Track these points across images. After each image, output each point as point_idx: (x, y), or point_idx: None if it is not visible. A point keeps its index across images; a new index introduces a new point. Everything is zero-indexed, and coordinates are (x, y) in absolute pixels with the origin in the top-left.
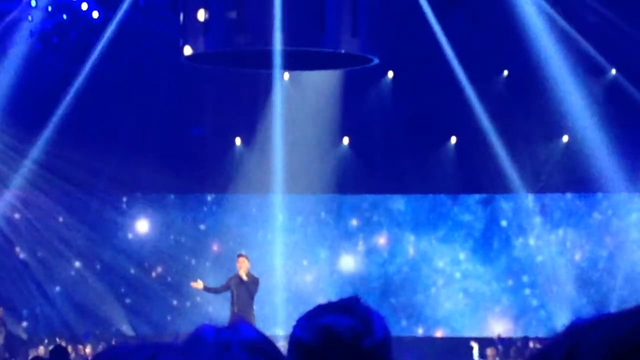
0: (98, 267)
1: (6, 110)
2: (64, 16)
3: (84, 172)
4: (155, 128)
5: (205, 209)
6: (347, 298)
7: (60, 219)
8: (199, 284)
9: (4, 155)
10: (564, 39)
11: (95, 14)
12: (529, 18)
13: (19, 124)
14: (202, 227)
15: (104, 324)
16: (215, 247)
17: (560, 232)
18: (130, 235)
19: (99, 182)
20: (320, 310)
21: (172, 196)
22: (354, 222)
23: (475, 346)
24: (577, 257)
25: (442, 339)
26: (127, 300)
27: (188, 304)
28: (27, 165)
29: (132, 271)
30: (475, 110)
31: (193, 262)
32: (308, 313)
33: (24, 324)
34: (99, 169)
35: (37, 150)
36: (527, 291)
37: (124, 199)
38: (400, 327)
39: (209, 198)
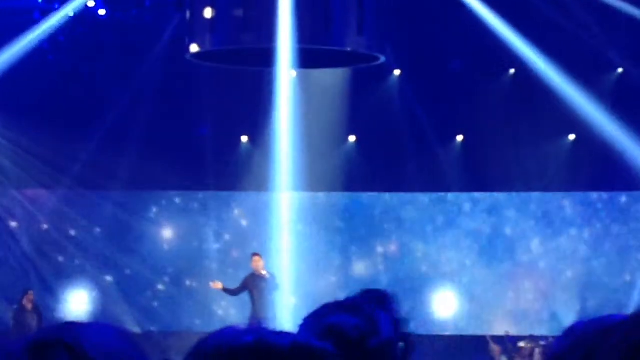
0: (105, 265)
1: (13, 107)
2: (71, 14)
3: (90, 170)
4: (160, 126)
5: (210, 206)
6: (353, 297)
7: (67, 217)
8: (217, 285)
9: (11, 152)
10: (570, 35)
11: (101, 12)
12: (535, 14)
13: (26, 121)
14: (208, 225)
15: (107, 318)
16: (220, 245)
17: (566, 231)
18: (137, 234)
19: (107, 181)
20: (327, 310)
21: (178, 194)
22: (361, 223)
23: (491, 342)
24: (583, 256)
25: (450, 337)
26: (137, 299)
27: (198, 302)
28: (34, 163)
29: (133, 266)
30: (482, 109)
31: (200, 259)
32: (314, 312)
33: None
34: (105, 167)
35: (42, 147)
36: (531, 294)
37: (129, 197)
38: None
39: (214, 196)
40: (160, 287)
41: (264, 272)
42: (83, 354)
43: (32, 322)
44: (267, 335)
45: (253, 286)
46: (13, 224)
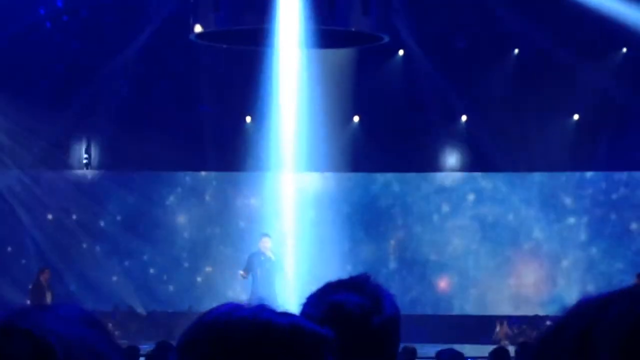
0: (105, 241)
1: (18, 89)
2: None
3: (93, 150)
4: (164, 106)
5: (214, 187)
6: (357, 276)
7: (72, 197)
8: (244, 274)
9: (15, 134)
10: (574, 16)
11: None
12: None
13: (31, 102)
14: (211, 205)
15: (114, 301)
16: (223, 225)
17: (571, 210)
18: (140, 214)
19: (110, 159)
20: (330, 288)
21: (182, 174)
22: (365, 203)
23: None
24: (585, 236)
25: (452, 316)
26: (139, 277)
27: (199, 280)
28: (38, 144)
29: (137, 246)
30: (486, 89)
31: (202, 239)
32: (318, 290)
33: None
34: (108, 146)
35: (46, 128)
36: (535, 275)
37: (134, 176)
38: (387, 271)
39: (218, 177)
40: (163, 267)
41: (269, 254)
42: (45, 342)
43: (48, 299)
44: (267, 314)
45: (258, 265)
46: (17, 205)
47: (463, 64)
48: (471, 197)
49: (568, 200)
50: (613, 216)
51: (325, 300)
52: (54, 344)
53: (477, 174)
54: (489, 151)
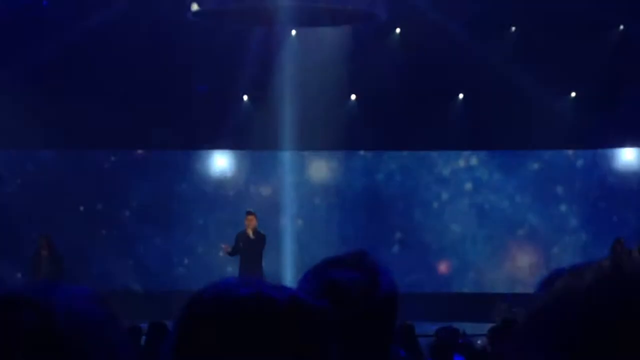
0: (105, 222)
1: (15, 66)
2: None
3: (89, 128)
4: (161, 85)
5: (210, 165)
6: (354, 252)
7: (68, 175)
8: (227, 248)
9: (14, 110)
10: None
11: None
12: None
13: (27, 80)
14: (208, 184)
15: (109, 280)
16: (219, 205)
17: (568, 187)
18: (136, 191)
19: (106, 138)
20: (327, 265)
21: (179, 153)
22: (362, 181)
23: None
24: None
25: (451, 294)
26: (134, 256)
27: (190, 260)
28: (35, 122)
29: (138, 227)
30: (483, 67)
31: (199, 218)
32: (315, 267)
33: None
34: (104, 124)
35: (44, 105)
36: (533, 254)
37: (130, 154)
38: (391, 254)
39: (216, 155)
40: (160, 245)
41: (251, 232)
42: (50, 314)
43: (47, 268)
44: (265, 288)
45: (242, 244)
46: (14, 182)
47: (460, 42)
48: (468, 174)
49: (566, 175)
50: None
51: (322, 277)
52: (59, 316)
53: (474, 152)
54: (486, 129)
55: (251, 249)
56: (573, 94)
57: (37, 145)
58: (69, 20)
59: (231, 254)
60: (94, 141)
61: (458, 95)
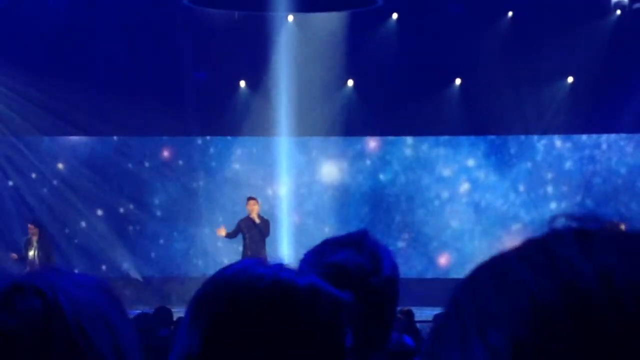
0: (103, 210)
1: (11, 54)
2: None
3: (86, 116)
4: (158, 72)
5: (209, 152)
6: (354, 233)
7: (65, 163)
8: (222, 231)
9: (9, 99)
10: None
11: None
12: None
13: (24, 68)
14: (206, 170)
15: (109, 267)
16: (218, 191)
17: (566, 172)
18: (134, 179)
19: (103, 126)
20: (328, 246)
21: (176, 140)
22: (359, 167)
23: None
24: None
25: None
26: (133, 244)
27: (192, 246)
28: (32, 110)
29: (137, 214)
30: (480, 52)
31: (197, 204)
32: (315, 249)
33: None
34: (101, 112)
35: (42, 94)
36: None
37: (128, 142)
38: (397, 250)
39: (213, 141)
40: (159, 233)
41: (256, 217)
42: (55, 301)
43: (32, 253)
44: (286, 273)
45: (246, 230)
46: (12, 172)
47: (457, 27)
48: (466, 158)
49: (562, 161)
50: (611, 175)
51: (323, 260)
52: (63, 302)
53: (472, 137)
54: (483, 114)
55: (256, 234)
56: (570, 79)
57: (30, 133)
58: (64, 8)
59: (229, 236)
60: (87, 128)
61: (455, 80)
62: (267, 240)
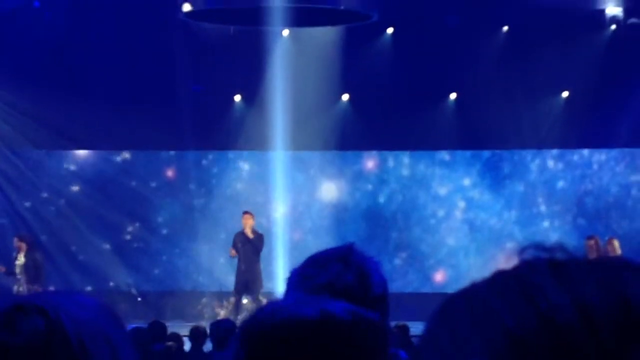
0: (97, 222)
1: (6, 67)
2: None
3: (81, 129)
4: (154, 85)
5: (203, 165)
6: (340, 247)
7: (60, 175)
8: (232, 252)
9: (4, 113)
10: None
11: None
12: None
13: (19, 81)
14: (202, 185)
15: (101, 280)
16: (213, 204)
17: (561, 187)
18: (132, 195)
19: (98, 139)
20: (313, 265)
21: (171, 153)
22: (355, 181)
23: None
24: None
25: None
26: (126, 256)
27: (184, 260)
28: (28, 123)
29: (130, 228)
30: (476, 67)
31: (193, 219)
32: (300, 268)
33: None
34: (97, 125)
35: (37, 107)
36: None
37: (123, 155)
38: (393, 267)
39: (208, 155)
40: (154, 246)
41: (250, 232)
42: (58, 320)
43: (19, 268)
44: (328, 306)
45: (240, 244)
46: (9, 186)
47: (452, 41)
48: (461, 173)
49: (558, 176)
50: (606, 190)
51: (309, 282)
52: (66, 322)
53: (467, 152)
54: (479, 129)
55: (250, 249)
56: (565, 94)
57: (27, 146)
58: (61, 22)
59: (233, 254)
60: (85, 142)
61: (450, 94)
62: (271, 256)
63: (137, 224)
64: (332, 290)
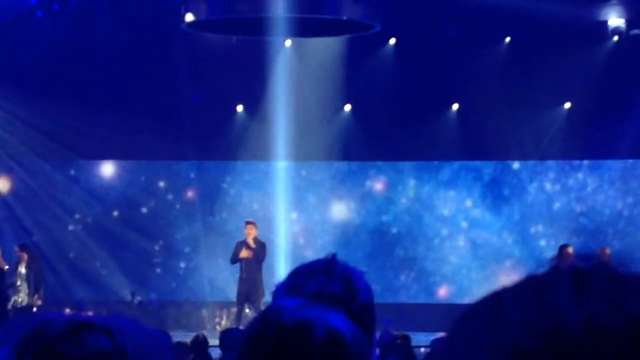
0: (99, 233)
1: (9, 77)
2: None
3: (82, 138)
4: (156, 95)
5: (206, 176)
6: (323, 259)
7: (62, 186)
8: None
9: (7, 122)
10: (566, 4)
11: None
12: None
13: (22, 91)
14: (203, 195)
15: (104, 290)
16: (216, 215)
17: (563, 198)
18: (133, 203)
19: (99, 149)
20: (298, 277)
21: (174, 164)
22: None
23: None
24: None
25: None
26: (128, 266)
27: (184, 269)
28: (30, 133)
29: (131, 237)
30: (478, 78)
31: (195, 229)
32: (286, 281)
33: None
34: (98, 135)
35: (39, 117)
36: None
37: (124, 166)
38: (399, 284)
39: (210, 165)
40: (156, 257)
41: (252, 241)
42: (122, 344)
43: (19, 278)
44: (332, 320)
45: (243, 254)
46: (10, 195)
47: (455, 52)
48: (463, 184)
49: (561, 186)
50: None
51: (299, 294)
52: (129, 347)
53: (468, 162)
54: (481, 139)
55: (252, 258)
56: (567, 105)
57: (29, 156)
58: (63, 31)
59: (231, 261)
60: (85, 151)
61: (453, 105)
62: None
63: (139, 235)
64: (321, 299)
